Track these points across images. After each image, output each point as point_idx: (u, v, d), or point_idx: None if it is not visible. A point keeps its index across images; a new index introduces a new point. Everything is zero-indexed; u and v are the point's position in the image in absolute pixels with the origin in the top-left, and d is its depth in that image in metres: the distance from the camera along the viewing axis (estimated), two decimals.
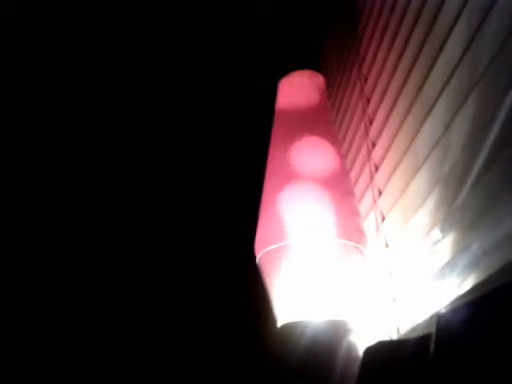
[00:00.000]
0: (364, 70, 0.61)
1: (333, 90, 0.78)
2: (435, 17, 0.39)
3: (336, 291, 0.45)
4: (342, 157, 0.52)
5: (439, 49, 0.38)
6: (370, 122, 0.56)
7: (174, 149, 0.95)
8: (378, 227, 0.50)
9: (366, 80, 0.60)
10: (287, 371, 0.42)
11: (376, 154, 0.53)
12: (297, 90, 0.56)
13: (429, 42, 0.41)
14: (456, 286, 0.33)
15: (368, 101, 0.58)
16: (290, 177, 0.48)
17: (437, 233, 0.37)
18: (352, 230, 0.45)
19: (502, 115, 0.29)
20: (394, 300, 0.45)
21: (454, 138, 0.36)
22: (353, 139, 0.63)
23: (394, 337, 0.44)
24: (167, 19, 0.91)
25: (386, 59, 0.52)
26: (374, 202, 0.52)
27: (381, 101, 0.53)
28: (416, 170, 0.41)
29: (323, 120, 0.54)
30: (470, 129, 0.33)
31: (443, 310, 0.32)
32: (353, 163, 0.62)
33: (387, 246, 0.48)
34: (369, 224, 0.52)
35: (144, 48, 0.93)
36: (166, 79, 0.96)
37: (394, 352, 0.35)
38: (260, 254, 0.47)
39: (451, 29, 0.36)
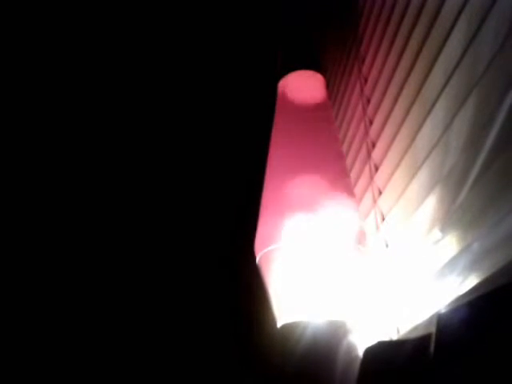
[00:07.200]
0: (364, 70, 0.61)
1: (333, 90, 0.78)
2: (435, 17, 0.39)
3: (336, 291, 0.45)
4: (342, 157, 0.52)
5: (439, 49, 0.38)
6: (370, 122, 0.56)
7: (174, 149, 0.95)
8: (378, 227, 0.50)
9: (365, 80, 0.60)
10: (287, 371, 0.42)
11: (376, 154, 0.53)
12: (297, 90, 0.56)
13: (429, 41, 0.41)
14: (456, 285, 0.33)
15: (368, 101, 0.58)
16: (290, 177, 0.48)
17: (437, 233, 0.37)
18: (352, 230, 0.45)
19: (501, 115, 0.29)
20: (394, 300, 0.45)
21: (453, 138, 0.36)
22: (353, 139, 0.63)
23: (394, 337, 0.44)
24: (167, 19, 0.91)
25: (385, 59, 0.52)
26: (374, 202, 0.52)
27: (381, 101, 0.53)
28: (416, 170, 0.41)
29: (323, 120, 0.54)
30: (469, 129, 0.33)
31: (443, 310, 0.32)
32: (353, 163, 0.62)
33: (387, 246, 0.48)
34: (369, 224, 0.52)
35: (143, 48, 0.93)
36: (166, 79, 0.96)
37: (394, 352, 0.35)
38: (260, 255, 0.47)
39: (451, 29, 0.36)
